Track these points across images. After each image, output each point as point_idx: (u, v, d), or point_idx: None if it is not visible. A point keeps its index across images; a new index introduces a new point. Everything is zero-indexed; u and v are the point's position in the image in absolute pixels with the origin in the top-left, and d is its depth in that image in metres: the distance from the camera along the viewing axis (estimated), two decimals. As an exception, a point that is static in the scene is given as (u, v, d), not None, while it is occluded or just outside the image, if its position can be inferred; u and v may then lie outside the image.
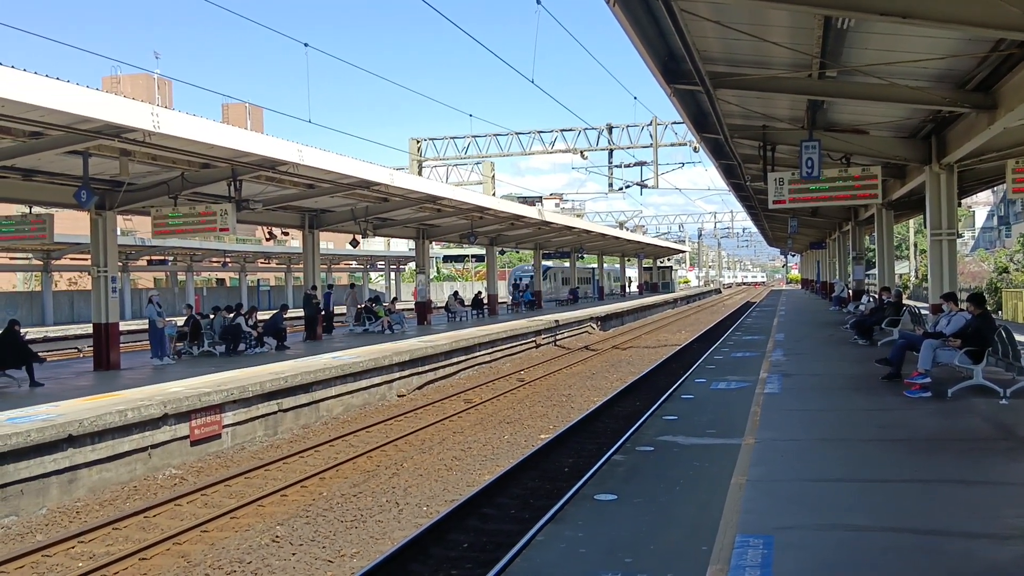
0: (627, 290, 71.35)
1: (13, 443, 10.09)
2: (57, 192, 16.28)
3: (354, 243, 27.38)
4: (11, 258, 42.95)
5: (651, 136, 36.03)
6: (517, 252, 62.90)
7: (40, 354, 16.35)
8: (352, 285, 39.67)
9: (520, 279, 44.08)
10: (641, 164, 37.75)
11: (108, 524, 9.69)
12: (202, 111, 15.79)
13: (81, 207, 14.89)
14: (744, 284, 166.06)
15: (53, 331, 35.48)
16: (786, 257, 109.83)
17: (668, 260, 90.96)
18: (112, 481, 11.54)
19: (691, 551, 5.81)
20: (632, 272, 79.40)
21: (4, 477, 10.00)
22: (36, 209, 17.66)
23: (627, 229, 71.63)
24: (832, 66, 12.29)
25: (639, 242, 59.68)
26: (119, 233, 24.04)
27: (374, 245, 74.29)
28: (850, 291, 32.51)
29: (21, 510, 10.19)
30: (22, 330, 15.84)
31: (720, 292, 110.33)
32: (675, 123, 36.24)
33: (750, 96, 14.58)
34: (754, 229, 77.47)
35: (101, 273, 17.45)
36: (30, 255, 40.52)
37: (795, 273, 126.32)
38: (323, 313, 26.11)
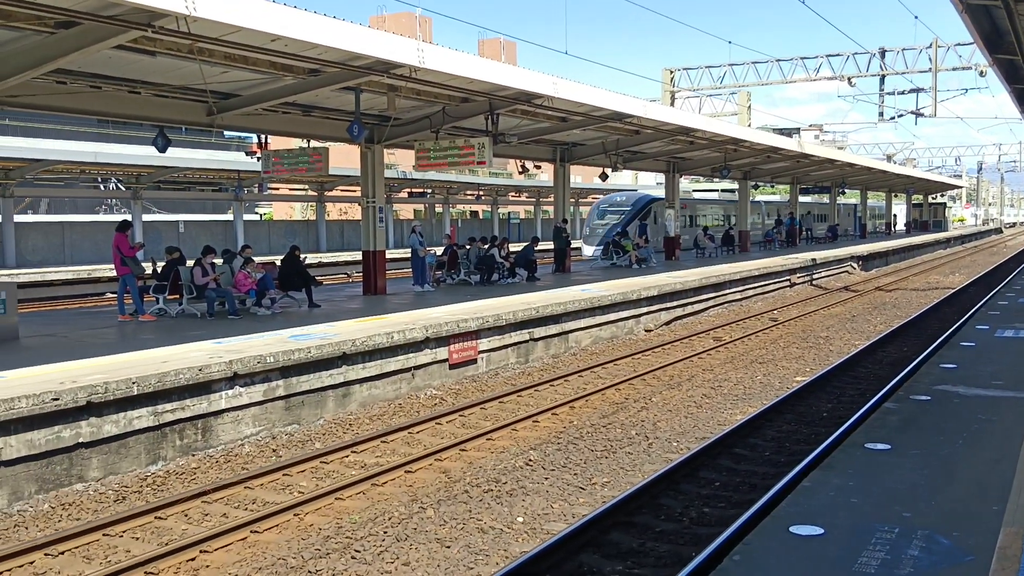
0: (893, 228, 66.38)
1: (296, 358, 11.03)
2: (332, 127, 17.40)
3: (603, 176, 27.26)
4: (290, 189, 46.92)
5: (930, 60, 32.73)
6: (772, 187, 60.15)
7: (317, 278, 17.75)
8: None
9: (604, 214, 36.29)
10: (917, 91, 34.45)
11: (377, 437, 10.40)
12: (460, 46, 16.30)
13: (353, 140, 15.82)
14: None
15: (326, 257, 38.47)
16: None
17: (941, 196, 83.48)
18: (379, 398, 12.36)
19: (979, 510, 5.27)
20: (900, 209, 73.66)
21: (288, 389, 10.98)
22: (313, 143, 18.97)
23: (895, 162, 66.28)
24: None
25: (908, 176, 55.11)
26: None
27: (621, 179, 73.93)
28: None
29: (302, 420, 11.16)
30: (302, 256, 17.22)
31: (1001, 232, 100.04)
32: (959, 44, 32.70)
33: (1059, 8, 12.76)
34: (1046, 162, 69.14)
35: (370, 204, 18.55)
36: (306, 187, 43.97)
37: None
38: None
